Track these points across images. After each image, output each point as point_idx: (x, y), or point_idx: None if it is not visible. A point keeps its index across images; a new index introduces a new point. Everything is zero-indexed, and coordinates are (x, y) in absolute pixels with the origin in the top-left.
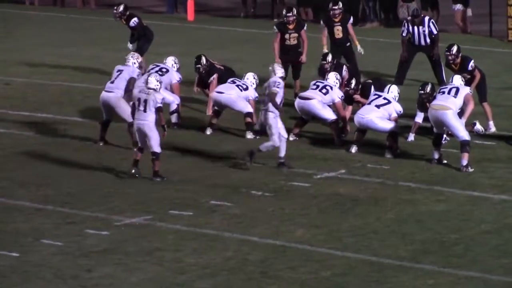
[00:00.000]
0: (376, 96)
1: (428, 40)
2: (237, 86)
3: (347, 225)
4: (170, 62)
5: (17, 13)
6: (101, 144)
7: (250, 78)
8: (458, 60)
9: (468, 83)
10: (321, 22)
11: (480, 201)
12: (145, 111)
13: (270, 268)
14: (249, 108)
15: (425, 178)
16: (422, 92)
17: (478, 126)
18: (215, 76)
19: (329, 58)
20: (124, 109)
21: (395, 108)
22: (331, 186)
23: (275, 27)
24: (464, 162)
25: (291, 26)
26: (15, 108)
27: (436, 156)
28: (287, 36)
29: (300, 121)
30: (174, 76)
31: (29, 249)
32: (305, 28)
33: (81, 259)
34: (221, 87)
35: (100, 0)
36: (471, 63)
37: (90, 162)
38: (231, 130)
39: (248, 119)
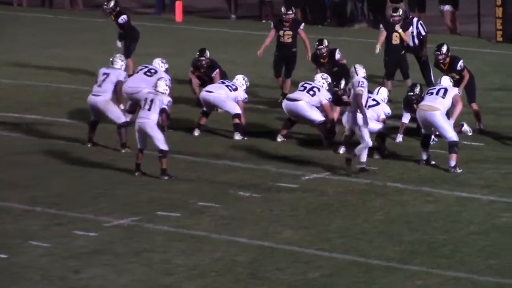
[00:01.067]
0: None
1: (416, 41)
2: (227, 86)
3: (335, 226)
4: (157, 63)
5: (5, 14)
6: (89, 145)
7: (240, 79)
8: (448, 60)
9: (457, 83)
10: (381, 26)
11: (468, 202)
12: (149, 109)
13: (259, 269)
14: (238, 109)
15: (413, 179)
16: (412, 93)
17: (466, 127)
18: (217, 71)
19: (326, 42)
20: (113, 111)
21: (384, 109)
22: (319, 187)
23: (271, 23)
24: (452, 163)
25: (286, 24)
26: (3, 109)
27: (424, 157)
28: (281, 33)
29: (288, 122)
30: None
31: (17, 251)
32: (301, 27)
33: (69, 260)
34: (210, 87)
35: (88, 1)
36: (460, 63)
37: (78, 163)
38: (219, 131)
39: (236, 120)
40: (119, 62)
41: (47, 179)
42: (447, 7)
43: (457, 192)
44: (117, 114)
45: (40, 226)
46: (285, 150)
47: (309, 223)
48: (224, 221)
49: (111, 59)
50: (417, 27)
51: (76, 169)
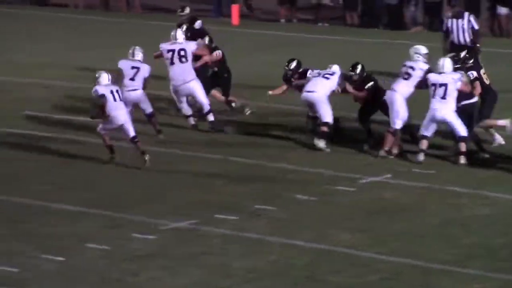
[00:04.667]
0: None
1: (469, 35)
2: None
3: (392, 230)
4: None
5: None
6: (160, 136)
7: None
8: None
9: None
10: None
11: None
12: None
13: (316, 272)
14: (329, 118)
15: (471, 182)
16: None
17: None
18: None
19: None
20: (148, 102)
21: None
22: (377, 191)
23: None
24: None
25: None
26: (53, 111)
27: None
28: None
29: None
30: None
31: (73, 253)
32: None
33: (126, 263)
34: (310, 86)
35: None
36: None
37: (128, 165)
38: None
39: (324, 128)
40: (139, 54)
41: (98, 180)
42: (503, 10)
43: None
44: (148, 103)
45: (96, 229)
46: (340, 154)
47: (366, 226)
48: (281, 224)
49: (130, 51)
50: (468, 20)
51: (126, 170)
